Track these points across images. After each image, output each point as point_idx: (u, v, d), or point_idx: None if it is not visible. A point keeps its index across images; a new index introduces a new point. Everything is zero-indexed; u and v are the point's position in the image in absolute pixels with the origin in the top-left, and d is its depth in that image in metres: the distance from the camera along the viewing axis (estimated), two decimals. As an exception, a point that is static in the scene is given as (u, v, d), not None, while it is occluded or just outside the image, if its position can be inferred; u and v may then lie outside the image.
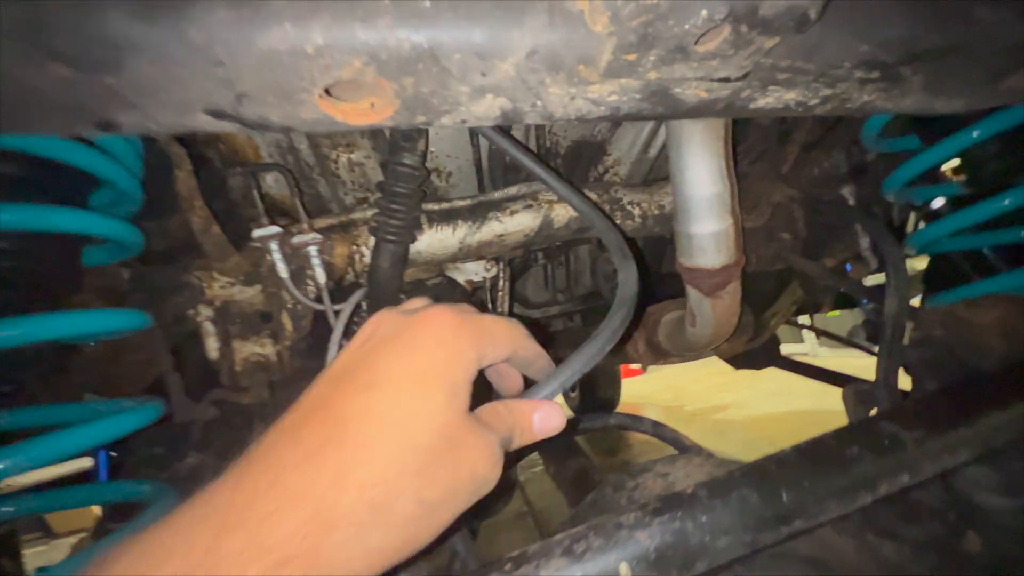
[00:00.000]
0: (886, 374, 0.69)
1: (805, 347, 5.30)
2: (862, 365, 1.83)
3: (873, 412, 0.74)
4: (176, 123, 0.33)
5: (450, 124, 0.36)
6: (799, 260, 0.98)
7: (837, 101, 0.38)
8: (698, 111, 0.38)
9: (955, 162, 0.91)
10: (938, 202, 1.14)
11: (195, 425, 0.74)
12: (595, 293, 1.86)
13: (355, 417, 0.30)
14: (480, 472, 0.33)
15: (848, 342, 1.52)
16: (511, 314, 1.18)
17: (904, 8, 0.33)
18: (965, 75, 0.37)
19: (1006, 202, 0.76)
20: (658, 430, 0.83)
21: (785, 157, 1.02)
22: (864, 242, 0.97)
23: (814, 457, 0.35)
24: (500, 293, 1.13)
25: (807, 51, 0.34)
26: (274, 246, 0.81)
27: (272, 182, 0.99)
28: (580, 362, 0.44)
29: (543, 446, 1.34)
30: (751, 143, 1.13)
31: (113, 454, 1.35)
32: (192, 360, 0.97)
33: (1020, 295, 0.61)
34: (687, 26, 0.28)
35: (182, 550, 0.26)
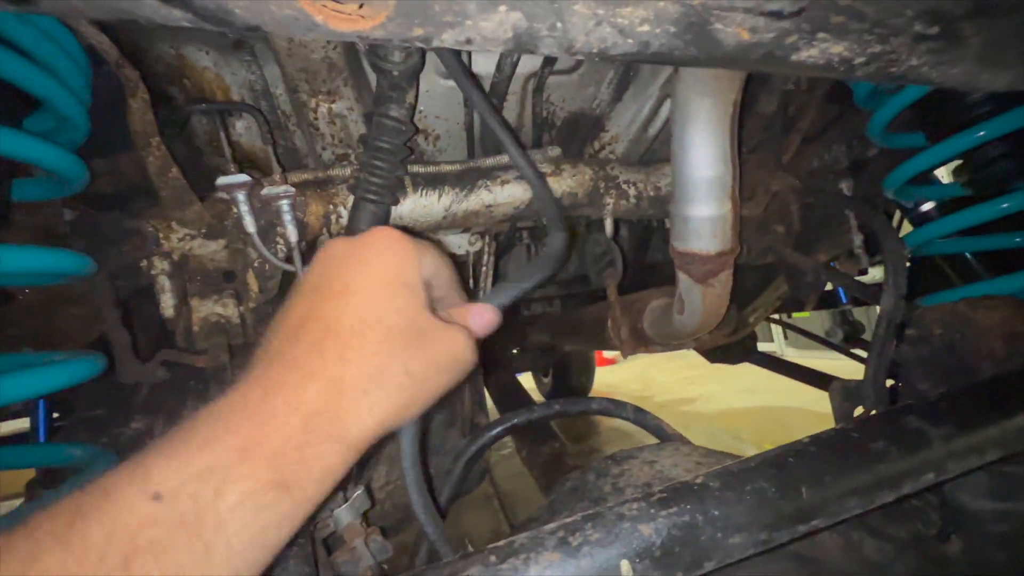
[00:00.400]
0: (875, 372, 0.67)
1: (773, 346, 5.43)
2: (830, 366, 1.87)
3: (859, 411, 0.73)
4: (110, 5, 0.26)
5: (451, 42, 0.30)
6: (791, 254, 0.96)
7: (883, 62, 0.35)
8: (734, 58, 0.34)
9: (953, 165, 0.90)
10: (927, 205, 1.14)
11: (142, 387, 0.67)
12: (578, 279, 1.83)
13: (341, 316, 0.36)
14: (459, 352, 0.41)
15: (826, 342, 1.53)
16: None
17: (983, -53, 0.29)
18: (1021, 45, 0.34)
19: (1005, 205, 0.75)
20: (640, 417, 0.81)
21: (787, 147, 0.99)
22: (857, 239, 0.96)
23: (836, 450, 0.32)
24: (484, 269, 1.07)
25: (870, -3, 0.30)
26: (241, 197, 0.74)
27: (242, 130, 0.91)
28: (504, 293, 0.50)
29: (517, 429, 1.30)
30: (752, 131, 1.10)
31: (56, 415, 1.26)
32: (144, 318, 0.89)
33: (1021, 298, 0.59)
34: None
35: (240, 412, 0.32)
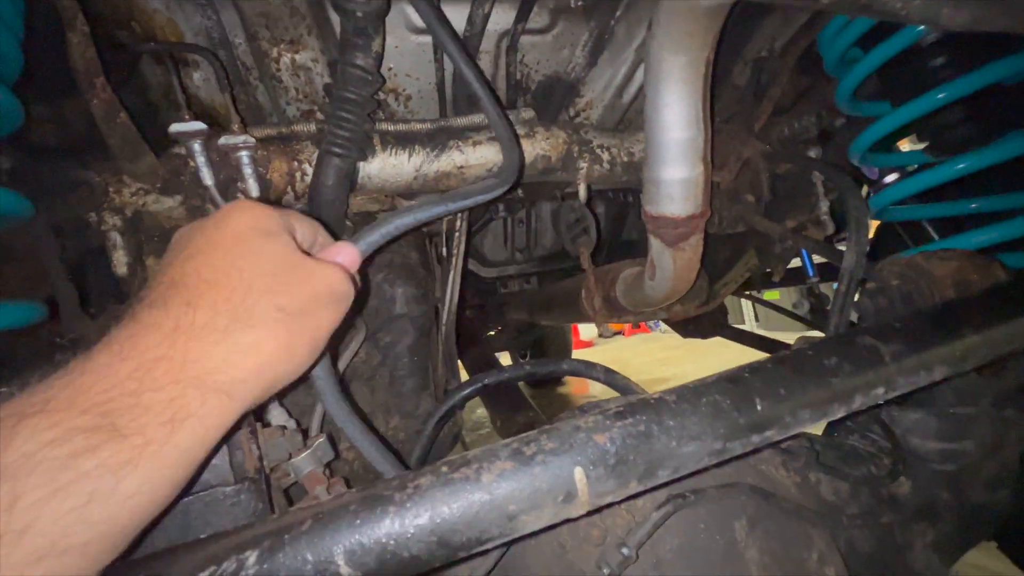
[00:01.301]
0: (837, 326, 0.69)
1: (744, 327, 5.59)
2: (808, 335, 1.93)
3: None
4: None
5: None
6: (762, 221, 0.97)
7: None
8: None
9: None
10: (890, 176, 1.17)
11: (86, 342, 0.63)
12: (555, 255, 1.83)
13: (188, 272, 0.36)
14: (335, 284, 0.40)
15: (795, 316, 1.58)
16: (465, 269, 1.12)
17: None
18: None
19: (960, 166, 0.78)
20: (610, 377, 0.81)
21: (758, 115, 1.00)
22: (823, 205, 0.98)
23: (792, 366, 0.32)
24: (456, 234, 1.06)
25: None
26: (197, 147, 0.70)
27: (200, 82, 0.86)
28: (375, 230, 0.52)
29: (492, 401, 1.30)
30: (726, 103, 1.10)
31: None
32: (95, 278, 0.85)
33: (973, 251, 0.61)
34: None
35: (68, 370, 0.32)
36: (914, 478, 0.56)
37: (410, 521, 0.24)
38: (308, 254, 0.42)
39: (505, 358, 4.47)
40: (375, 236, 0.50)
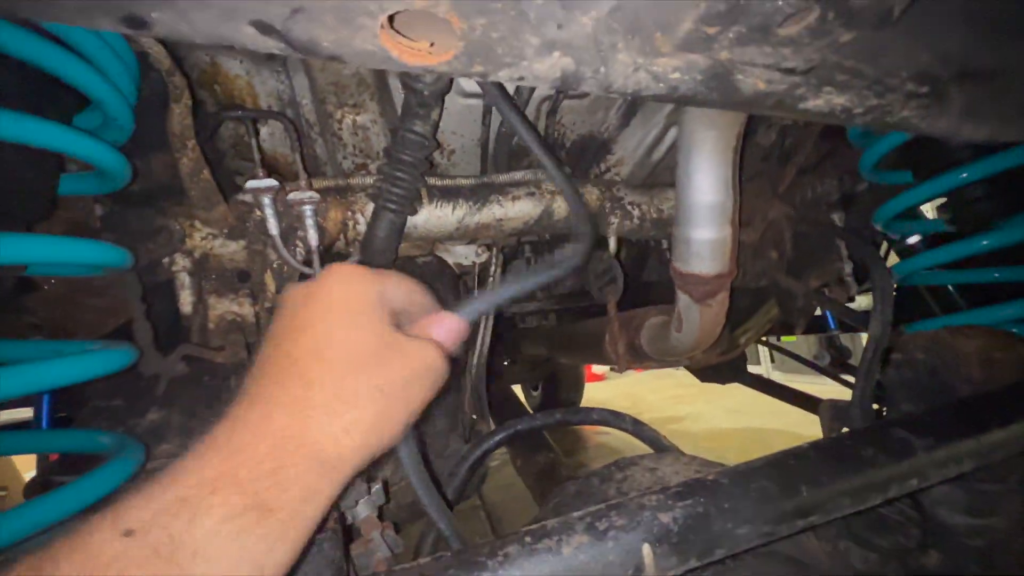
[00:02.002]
0: (863, 393, 0.71)
1: (760, 369, 5.52)
2: (816, 389, 1.92)
3: (844, 431, 0.76)
4: (214, 32, 0.29)
5: (505, 79, 0.34)
6: (784, 278, 1.01)
7: (878, 113, 0.39)
8: (750, 103, 0.38)
9: (938, 203, 0.96)
10: (913, 239, 1.20)
11: (160, 380, 0.69)
12: (574, 294, 1.87)
13: (301, 348, 0.38)
14: (429, 362, 0.41)
15: (812, 365, 1.58)
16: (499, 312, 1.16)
17: (967, 24, 0.34)
18: (1000, 103, 0.38)
19: (985, 243, 0.81)
20: (638, 429, 0.84)
21: (783, 177, 1.04)
22: (847, 267, 1.01)
23: (831, 455, 0.35)
24: (491, 279, 1.11)
25: (872, 55, 0.34)
26: (267, 200, 0.77)
27: (266, 136, 0.94)
28: (473, 304, 0.50)
29: (513, 439, 1.33)
30: (751, 161, 1.16)
31: (61, 415, 1.25)
32: (156, 313, 0.91)
33: (999, 328, 0.64)
34: (780, 2, 0.27)
35: (211, 449, 0.34)
36: (943, 551, 0.58)
37: (501, 586, 0.28)
38: (402, 324, 0.44)
39: (516, 390, 4.46)
40: (481, 306, 0.50)
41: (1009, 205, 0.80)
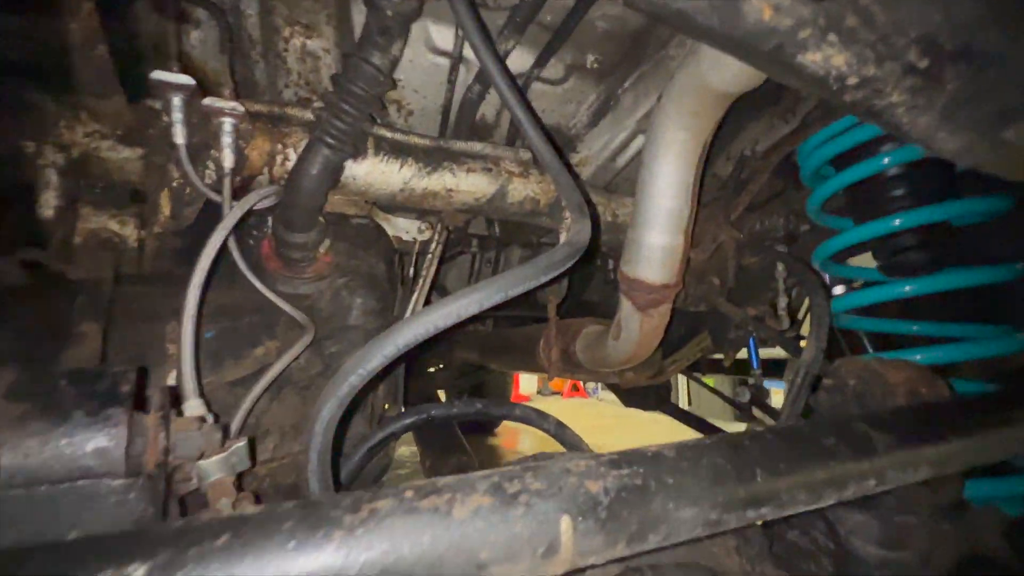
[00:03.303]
0: (788, 418, 0.69)
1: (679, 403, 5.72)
2: (732, 428, 1.98)
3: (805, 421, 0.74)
4: None
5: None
6: (725, 304, 1.01)
7: (869, 91, 0.37)
8: (746, 42, 0.34)
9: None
10: (838, 288, 1.26)
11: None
12: (514, 301, 1.82)
13: None
14: None
15: (731, 402, 1.62)
16: (427, 299, 1.07)
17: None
18: (980, 108, 0.38)
19: (907, 288, 0.84)
20: (560, 432, 0.78)
21: (736, 206, 1.06)
22: (782, 301, 1.03)
23: (790, 441, 0.31)
24: (429, 256, 1.02)
25: (887, 2, 0.32)
26: (177, 101, 0.64)
27: (196, 42, 0.81)
28: (505, 281, 0.41)
29: (424, 437, 1.22)
30: (706, 188, 1.17)
31: None
32: (16, 216, 0.74)
33: (924, 365, 0.65)
34: None
35: None
36: (853, 583, 0.55)
37: (358, 553, 0.19)
38: None
39: (440, 397, 4.32)
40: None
41: (935, 259, 0.84)
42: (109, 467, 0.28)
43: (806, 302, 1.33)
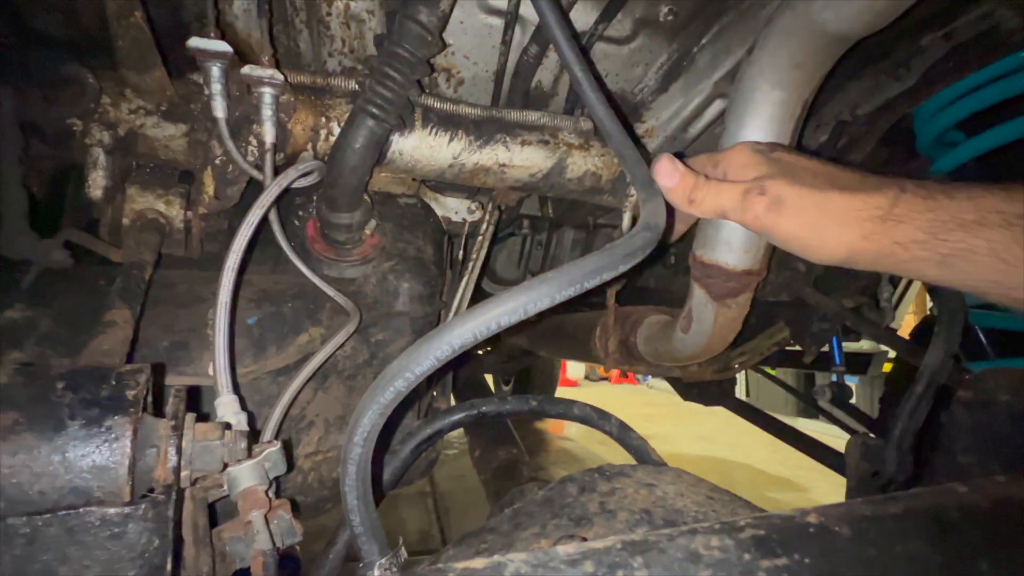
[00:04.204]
0: (902, 433, 0.58)
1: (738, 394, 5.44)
2: (799, 425, 1.81)
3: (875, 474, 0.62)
4: None
5: None
6: (814, 294, 0.87)
7: None
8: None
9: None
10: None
11: (31, 267, 0.52)
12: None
13: None
14: None
15: (802, 397, 1.46)
16: (480, 278, 1.01)
17: None
18: None
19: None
20: (624, 435, 0.70)
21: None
22: (886, 291, 0.88)
23: (1014, 523, 0.21)
24: (479, 238, 0.96)
25: None
26: (216, 71, 0.60)
27: (239, 12, 0.77)
28: (579, 271, 0.33)
29: (474, 426, 1.17)
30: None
31: None
32: (70, 196, 0.74)
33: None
34: None
35: None
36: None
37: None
38: None
39: (487, 382, 4.33)
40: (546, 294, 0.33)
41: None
42: (110, 488, 0.24)
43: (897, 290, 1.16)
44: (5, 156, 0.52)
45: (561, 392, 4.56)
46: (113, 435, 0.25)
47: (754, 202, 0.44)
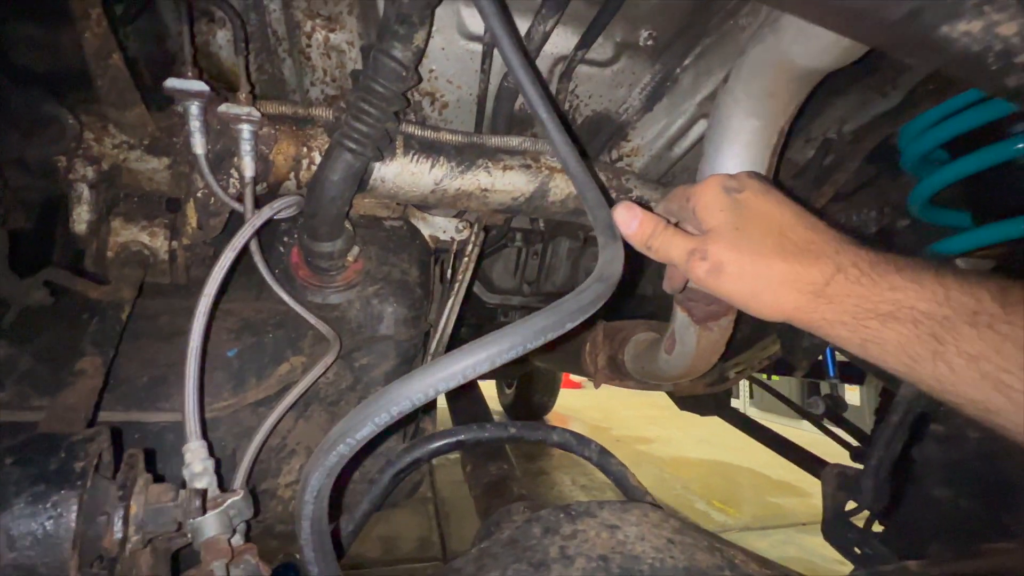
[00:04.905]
0: (879, 464, 0.58)
1: (737, 403, 5.42)
2: (794, 434, 1.80)
3: (850, 506, 0.63)
4: None
5: None
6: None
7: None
8: (860, 10, 0.25)
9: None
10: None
11: (10, 307, 0.53)
12: (563, 294, 1.73)
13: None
14: None
15: (798, 409, 1.46)
16: (468, 293, 1.01)
17: None
18: None
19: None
20: (603, 460, 0.70)
21: (817, 199, 0.91)
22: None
23: None
24: (465, 259, 0.96)
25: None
26: (194, 109, 0.61)
27: (223, 43, 0.78)
28: (521, 334, 0.33)
29: (463, 446, 1.18)
30: (780, 177, 1.02)
31: None
32: (57, 232, 0.75)
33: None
34: None
35: None
36: None
37: None
38: None
39: (488, 387, 4.34)
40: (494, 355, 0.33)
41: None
42: (54, 564, 0.24)
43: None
44: (-14, 201, 0.53)
45: (564, 393, 4.56)
46: (58, 511, 0.26)
47: (696, 265, 0.45)
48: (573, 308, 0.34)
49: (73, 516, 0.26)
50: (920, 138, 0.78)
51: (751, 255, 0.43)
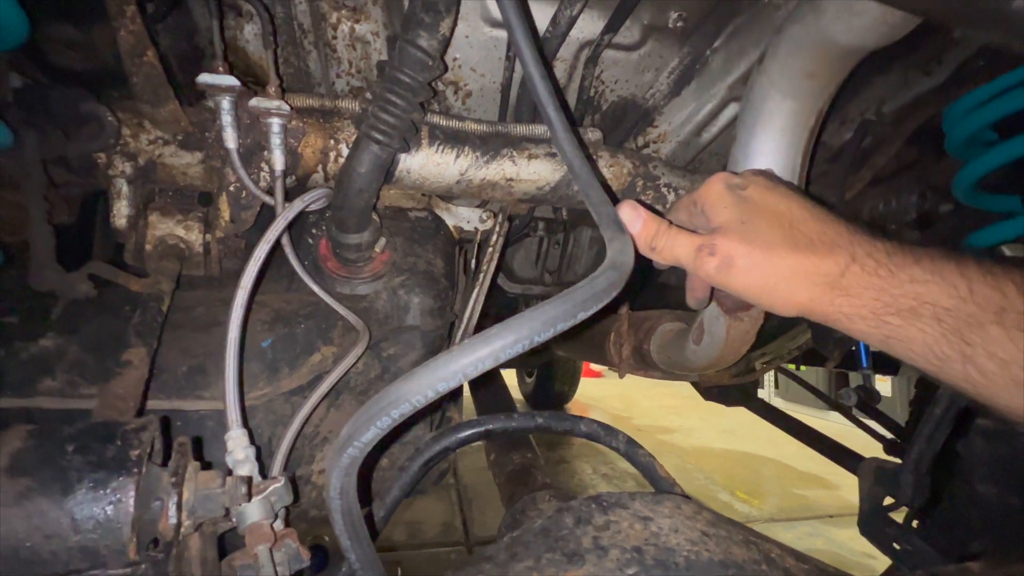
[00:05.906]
0: (919, 459, 0.56)
1: (762, 393, 5.34)
2: (821, 425, 1.76)
3: (888, 501, 0.61)
4: None
5: None
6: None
7: None
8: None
9: None
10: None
11: (58, 300, 0.56)
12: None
13: None
14: None
15: (828, 400, 1.42)
16: (493, 282, 1.01)
17: None
18: None
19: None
20: (631, 450, 0.70)
21: (854, 183, 0.87)
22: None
23: None
24: (490, 249, 0.96)
25: None
26: (225, 104, 0.62)
27: (251, 36, 0.79)
28: (531, 325, 0.31)
29: (490, 435, 1.19)
30: (815, 160, 0.99)
31: None
32: (97, 226, 0.78)
33: None
34: None
35: None
36: None
37: None
38: None
39: (509, 375, 4.35)
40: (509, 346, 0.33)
41: None
42: (115, 546, 0.26)
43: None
44: (31, 197, 0.55)
45: (585, 382, 4.55)
46: (117, 496, 0.27)
47: (705, 261, 0.44)
48: (584, 297, 0.33)
49: (131, 501, 0.27)
50: (967, 118, 0.74)
51: (761, 248, 0.41)
